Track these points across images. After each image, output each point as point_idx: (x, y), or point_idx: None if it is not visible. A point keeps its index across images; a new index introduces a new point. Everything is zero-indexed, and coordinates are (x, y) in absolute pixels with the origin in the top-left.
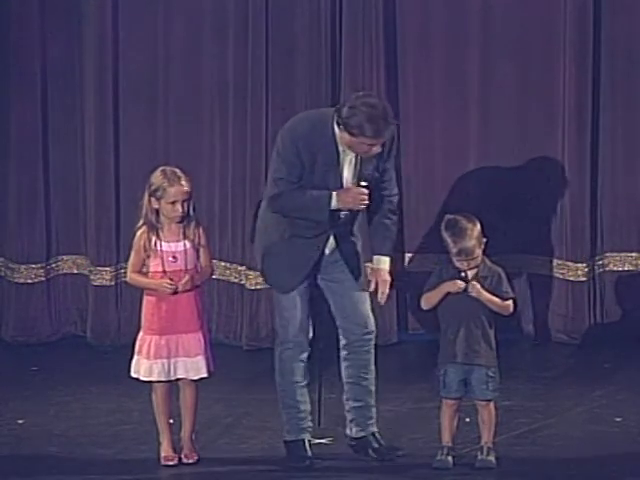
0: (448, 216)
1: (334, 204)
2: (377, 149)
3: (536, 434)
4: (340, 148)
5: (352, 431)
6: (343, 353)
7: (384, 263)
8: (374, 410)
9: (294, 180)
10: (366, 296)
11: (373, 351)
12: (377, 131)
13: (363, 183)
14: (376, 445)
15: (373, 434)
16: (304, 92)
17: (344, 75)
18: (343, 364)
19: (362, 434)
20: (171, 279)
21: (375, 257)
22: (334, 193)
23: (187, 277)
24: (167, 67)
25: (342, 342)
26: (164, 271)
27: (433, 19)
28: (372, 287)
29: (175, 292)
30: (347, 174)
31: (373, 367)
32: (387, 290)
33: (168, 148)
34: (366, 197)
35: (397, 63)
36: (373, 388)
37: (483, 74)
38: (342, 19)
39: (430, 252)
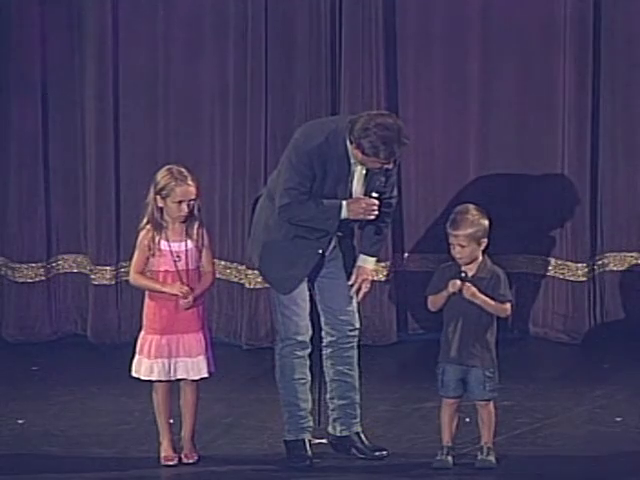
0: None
1: (344, 214)
2: (389, 166)
3: (536, 434)
4: (352, 160)
5: (336, 430)
6: (328, 351)
7: (370, 263)
8: (359, 409)
9: (305, 190)
10: (352, 293)
11: (357, 348)
12: (391, 153)
13: (374, 194)
14: (360, 445)
15: (357, 434)
16: (304, 92)
17: (344, 76)
18: (327, 362)
19: (346, 433)
20: (175, 280)
21: (362, 256)
22: (344, 203)
23: (189, 299)
24: (167, 67)
25: (327, 339)
26: (167, 270)
27: (433, 20)
28: (352, 281)
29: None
30: (357, 185)
31: (357, 364)
32: (366, 289)
33: (168, 148)
34: (376, 208)
35: (397, 65)
36: (357, 385)
37: (483, 75)
38: (342, 20)
39: (430, 252)
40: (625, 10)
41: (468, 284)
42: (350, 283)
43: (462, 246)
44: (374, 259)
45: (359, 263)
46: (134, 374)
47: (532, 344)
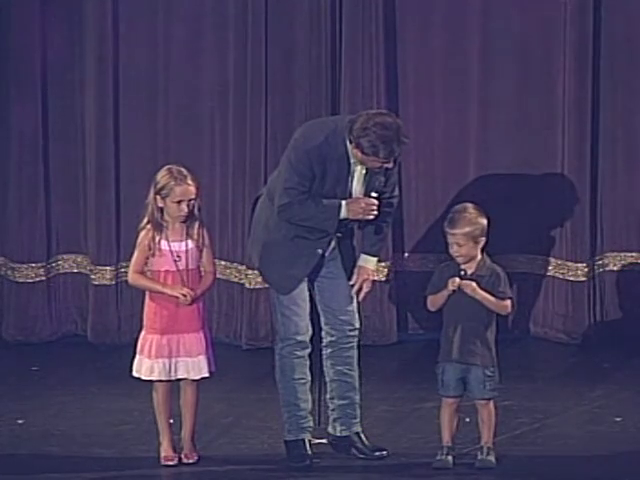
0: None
1: (343, 214)
2: (389, 165)
3: (536, 434)
4: (351, 160)
5: (336, 430)
6: (327, 351)
7: (371, 263)
8: (359, 409)
9: (304, 190)
10: (353, 293)
11: (357, 348)
12: (391, 152)
13: (373, 194)
14: (360, 445)
15: (357, 434)
16: (304, 92)
17: (344, 75)
18: (327, 362)
19: (346, 433)
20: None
21: (363, 256)
22: (343, 203)
23: (188, 298)
24: (167, 67)
25: (327, 339)
26: (168, 270)
27: (433, 20)
28: (353, 281)
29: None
30: (357, 185)
31: (357, 364)
32: (367, 289)
33: (168, 148)
34: (375, 208)
35: (397, 64)
36: (357, 385)
37: (483, 74)
38: (342, 20)
39: (430, 252)
40: (625, 9)
41: (468, 281)
42: (351, 283)
43: (460, 245)
44: (375, 259)
45: (360, 263)
46: (135, 374)
47: (532, 344)
